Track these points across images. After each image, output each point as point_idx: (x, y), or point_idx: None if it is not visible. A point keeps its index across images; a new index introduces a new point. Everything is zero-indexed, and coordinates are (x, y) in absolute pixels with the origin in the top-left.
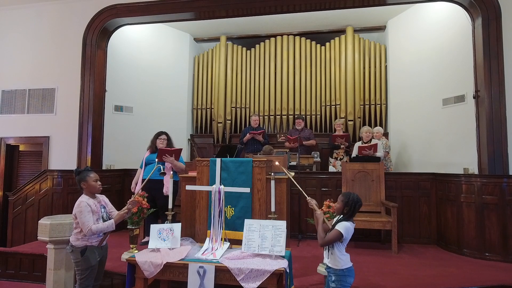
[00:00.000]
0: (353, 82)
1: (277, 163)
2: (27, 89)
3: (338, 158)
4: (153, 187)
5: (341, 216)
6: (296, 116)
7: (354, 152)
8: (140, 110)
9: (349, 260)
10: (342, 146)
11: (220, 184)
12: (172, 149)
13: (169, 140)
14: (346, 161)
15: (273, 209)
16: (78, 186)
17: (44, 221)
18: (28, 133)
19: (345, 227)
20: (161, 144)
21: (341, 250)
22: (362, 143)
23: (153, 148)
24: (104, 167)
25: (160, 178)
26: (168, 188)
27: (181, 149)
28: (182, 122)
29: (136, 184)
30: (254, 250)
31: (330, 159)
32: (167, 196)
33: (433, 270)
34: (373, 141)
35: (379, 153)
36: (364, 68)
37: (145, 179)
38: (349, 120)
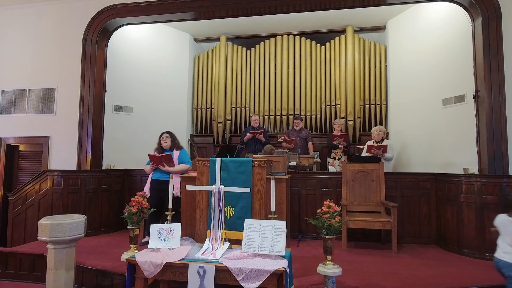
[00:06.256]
0: (353, 82)
1: None
2: (27, 89)
3: (336, 158)
4: (162, 187)
5: None
6: (295, 116)
7: (364, 151)
8: (140, 110)
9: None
10: (340, 146)
11: (220, 184)
12: (160, 155)
13: (172, 137)
14: (344, 161)
15: (273, 209)
16: None
17: (44, 221)
18: (28, 133)
19: (496, 218)
20: (164, 143)
21: (502, 242)
22: (374, 142)
23: (159, 149)
24: (104, 167)
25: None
26: (178, 189)
27: (168, 154)
28: (182, 122)
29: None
30: (254, 250)
31: (329, 159)
32: (176, 197)
33: (433, 270)
34: (385, 142)
35: (389, 154)
36: (364, 68)
37: (154, 179)
38: (349, 120)
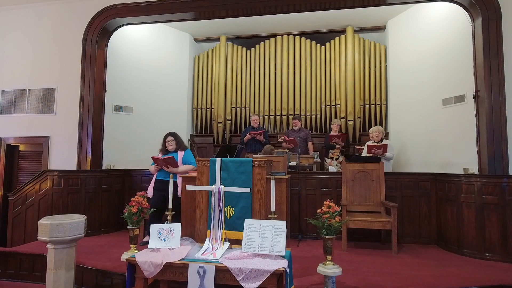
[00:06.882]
0: (353, 82)
1: None
2: (27, 89)
3: (334, 158)
4: (166, 188)
5: None
6: (295, 116)
7: (364, 152)
8: (140, 110)
9: None
10: (338, 146)
11: (220, 184)
12: (163, 158)
13: (176, 139)
14: (342, 161)
15: (273, 209)
16: None
17: (44, 221)
18: (28, 133)
19: None
20: (170, 146)
21: None
22: (373, 143)
23: (163, 151)
24: (104, 167)
25: (173, 179)
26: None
27: (171, 157)
28: (182, 122)
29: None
30: (254, 250)
31: (326, 159)
32: (180, 198)
33: (433, 270)
34: (384, 141)
35: (389, 153)
36: (364, 68)
37: (159, 179)
38: (349, 120)
